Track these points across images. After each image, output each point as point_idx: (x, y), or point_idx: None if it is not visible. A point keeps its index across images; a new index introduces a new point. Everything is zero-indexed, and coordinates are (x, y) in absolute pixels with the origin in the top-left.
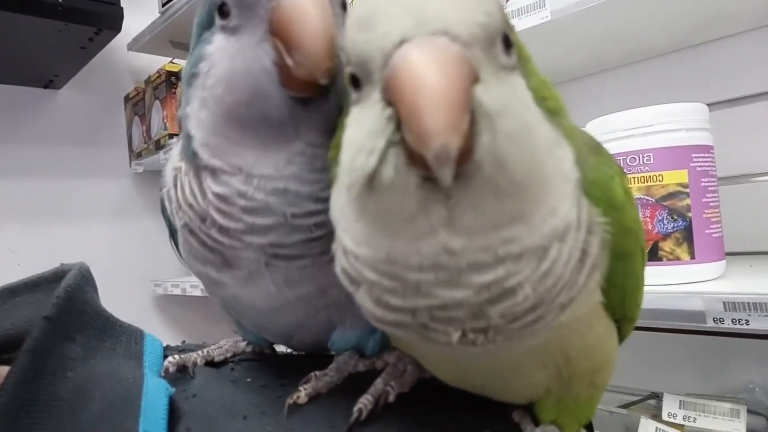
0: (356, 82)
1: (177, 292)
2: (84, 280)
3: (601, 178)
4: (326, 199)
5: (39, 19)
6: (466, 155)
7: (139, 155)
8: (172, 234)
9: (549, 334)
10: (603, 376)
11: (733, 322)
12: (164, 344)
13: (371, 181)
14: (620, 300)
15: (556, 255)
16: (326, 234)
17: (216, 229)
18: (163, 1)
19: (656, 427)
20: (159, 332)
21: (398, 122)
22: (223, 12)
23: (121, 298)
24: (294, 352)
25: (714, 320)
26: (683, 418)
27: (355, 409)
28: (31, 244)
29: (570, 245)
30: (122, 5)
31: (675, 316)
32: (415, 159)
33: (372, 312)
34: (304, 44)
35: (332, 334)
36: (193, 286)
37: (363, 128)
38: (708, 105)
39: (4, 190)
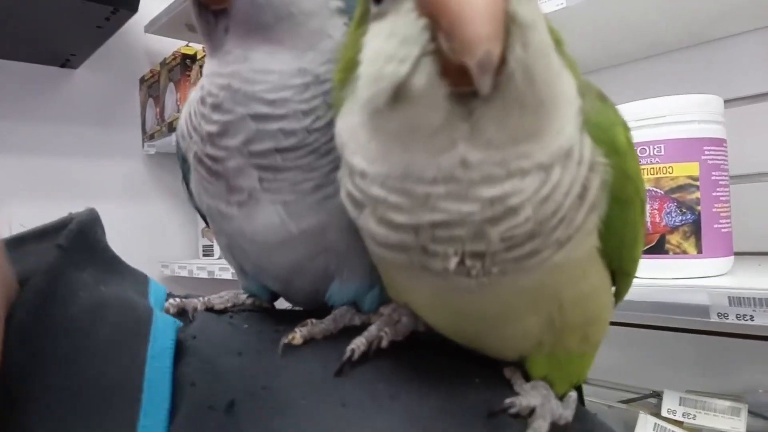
0: None
1: (184, 273)
2: (95, 221)
3: (604, 122)
4: (290, 111)
5: None
6: (497, 69)
7: (151, 137)
8: (185, 175)
9: (543, 276)
10: (596, 331)
11: (737, 317)
12: (168, 291)
13: (400, 90)
14: (617, 248)
15: (558, 178)
16: (307, 153)
17: (209, 142)
18: None
19: (655, 423)
20: None
21: (432, 32)
22: None
23: None
24: (293, 308)
25: (718, 315)
26: (683, 415)
27: (348, 348)
28: (42, 221)
29: (572, 173)
30: None
31: (679, 309)
32: (447, 70)
33: (374, 233)
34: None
35: (330, 287)
36: (200, 268)
37: (393, 38)
38: (724, 101)
39: (18, 167)
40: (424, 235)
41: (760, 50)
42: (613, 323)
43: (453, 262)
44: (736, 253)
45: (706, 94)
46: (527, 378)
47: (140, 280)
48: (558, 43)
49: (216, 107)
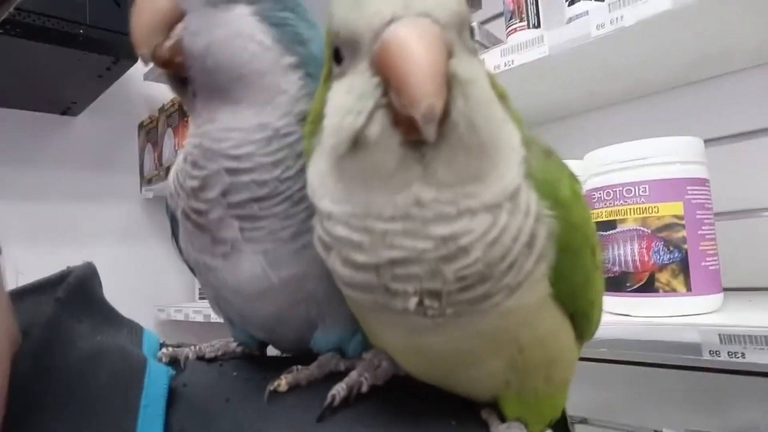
0: (339, 57)
1: (180, 317)
2: (92, 274)
3: (549, 178)
4: (258, 164)
5: (60, 48)
6: (441, 119)
7: (149, 181)
8: (174, 232)
9: (498, 320)
10: (559, 371)
11: (729, 355)
12: (161, 341)
13: (358, 139)
14: (570, 293)
15: (505, 223)
16: (282, 201)
17: (192, 196)
18: None
19: None
20: None
21: (384, 89)
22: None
23: None
24: (281, 355)
25: (710, 353)
26: None
27: (329, 394)
28: (39, 266)
29: (519, 220)
30: None
31: (671, 347)
32: (398, 121)
33: (340, 275)
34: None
35: (314, 334)
36: (196, 311)
37: (351, 94)
38: (706, 141)
39: (17, 212)
40: (384, 274)
41: (739, 91)
42: (610, 361)
43: (412, 303)
44: (726, 290)
45: (688, 136)
46: (503, 419)
47: (135, 330)
48: (502, 97)
49: (194, 164)
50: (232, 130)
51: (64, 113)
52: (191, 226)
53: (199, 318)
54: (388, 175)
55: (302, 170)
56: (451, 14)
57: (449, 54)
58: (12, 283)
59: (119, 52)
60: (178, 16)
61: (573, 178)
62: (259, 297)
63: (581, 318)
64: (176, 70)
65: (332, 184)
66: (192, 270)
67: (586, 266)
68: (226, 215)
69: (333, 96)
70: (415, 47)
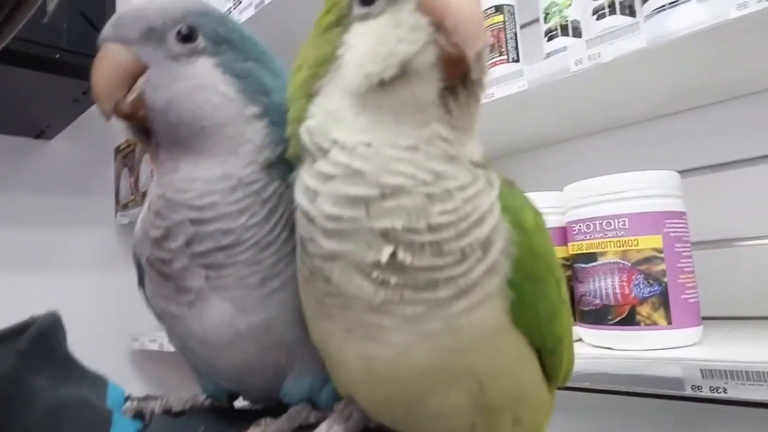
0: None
1: (154, 347)
2: (55, 324)
3: (512, 204)
4: (221, 213)
5: (35, 72)
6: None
7: (125, 206)
8: (141, 279)
9: (452, 336)
10: (528, 412)
11: (711, 390)
12: (127, 394)
13: (406, 67)
14: (536, 324)
15: (480, 188)
16: (248, 248)
17: (155, 245)
18: None
19: None
20: (134, 387)
21: (434, 28)
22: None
23: (98, 351)
24: (250, 407)
25: (692, 388)
26: None
27: None
28: (8, 294)
29: (485, 204)
30: None
31: (655, 382)
32: (442, 60)
33: (328, 214)
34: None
35: (284, 383)
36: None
37: (400, 28)
38: (683, 171)
39: None
40: (373, 207)
41: (714, 124)
42: (596, 391)
43: (386, 254)
44: (705, 318)
45: (665, 170)
46: None
47: (99, 383)
48: None
49: (157, 214)
50: (195, 180)
51: (38, 137)
52: (155, 274)
53: (173, 348)
54: (419, 109)
55: (268, 216)
56: None
57: None
58: None
59: None
60: (140, 70)
61: (536, 210)
62: (227, 345)
63: (549, 354)
64: (139, 122)
65: (351, 116)
66: (158, 319)
67: (552, 298)
68: (191, 264)
69: (366, 32)
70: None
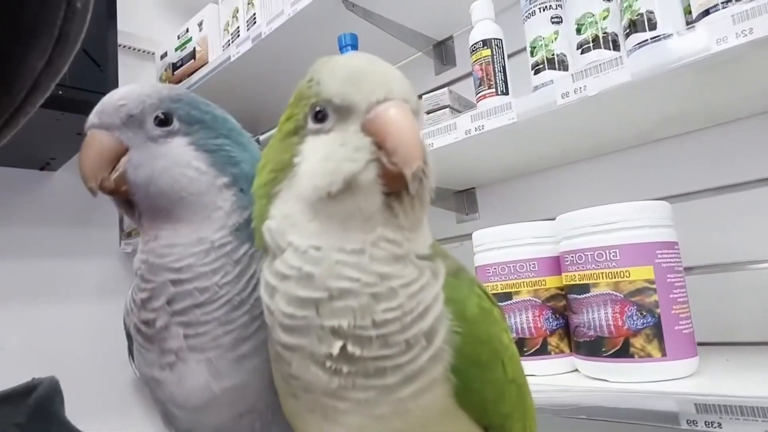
0: (322, 117)
1: None
2: (53, 392)
3: (456, 297)
4: (198, 273)
5: (40, 108)
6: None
7: (128, 234)
8: (130, 349)
9: (401, 418)
10: None
11: (706, 424)
12: None
13: (350, 182)
14: (481, 406)
15: (425, 282)
16: (222, 305)
17: (141, 307)
18: None
19: None
20: (137, 415)
21: (376, 148)
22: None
23: (102, 379)
24: None
25: (688, 422)
26: None
27: None
28: (14, 324)
29: (430, 295)
30: None
31: (649, 416)
32: (383, 174)
33: (284, 312)
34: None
35: None
36: None
37: (345, 146)
38: (673, 196)
39: None
40: (323, 308)
41: (701, 149)
42: (593, 419)
43: (336, 347)
44: (702, 344)
45: (655, 201)
46: None
47: None
48: None
49: (143, 278)
50: (174, 246)
51: (42, 168)
52: (141, 339)
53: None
54: (365, 218)
55: (239, 275)
56: (415, 102)
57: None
58: None
59: None
60: (122, 151)
61: (482, 296)
62: (203, 409)
63: (497, 430)
64: (122, 196)
65: (304, 222)
66: (146, 385)
67: (498, 380)
68: (171, 323)
69: (317, 146)
70: (406, 122)
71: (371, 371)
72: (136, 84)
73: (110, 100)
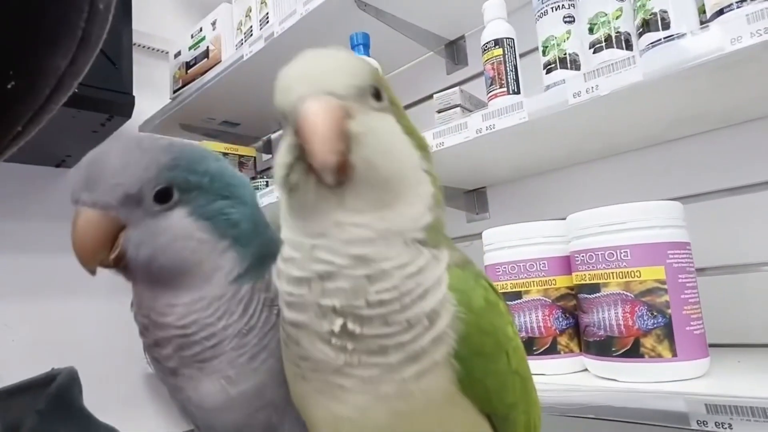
0: (283, 125)
1: None
2: (72, 381)
3: (462, 287)
4: (202, 325)
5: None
6: (345, 164)
7: None
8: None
9: (405, 401)
10: None
11: (716, 425)
12: None
13: (286, 184)
14: (484, 395)
15: (424, 264)
16: (232, 338)
17: (148, 350)
18: (174, 89)
19: None
20: (149, 410)
21: (302, 147)
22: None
23: (113, 375)
24: None
25: (698, 423)
26: None
27: None
28: (26, 320)
29: (431, 278)
30: (135, 92)
31: (659, 416)
32: (311, 169)
33: (284, 291)
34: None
35: None
36: None
37: (282, 149)
38: (686, 197)
39: (8, 265)
40: (315, 288)
41: (715, 150)
42: (602, 419)
43: (337, 324)
44: (713, 345)
45: (667, 201)
46: None
47: None
48: (422, 147)
49: (145, 329)
50: (175, 306)
51: (58, 165)
52: (152, 361)
53: None
54: (312, 207)
55: (244, 311)
56: (347, 88)
57: (349, 116)
58: None
59: (114, 110)
60: (120, 228)
61: (488, 288)
62: (221, 410)
63: (501, 421)
64: (119, 268)
65: (286, 216)
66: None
67: (501, 371)
68: (182, 363)
69: (279, 152)
70: (313, 118)
71: (374, 349)
72: (130, 148)
73: (102, 174)
